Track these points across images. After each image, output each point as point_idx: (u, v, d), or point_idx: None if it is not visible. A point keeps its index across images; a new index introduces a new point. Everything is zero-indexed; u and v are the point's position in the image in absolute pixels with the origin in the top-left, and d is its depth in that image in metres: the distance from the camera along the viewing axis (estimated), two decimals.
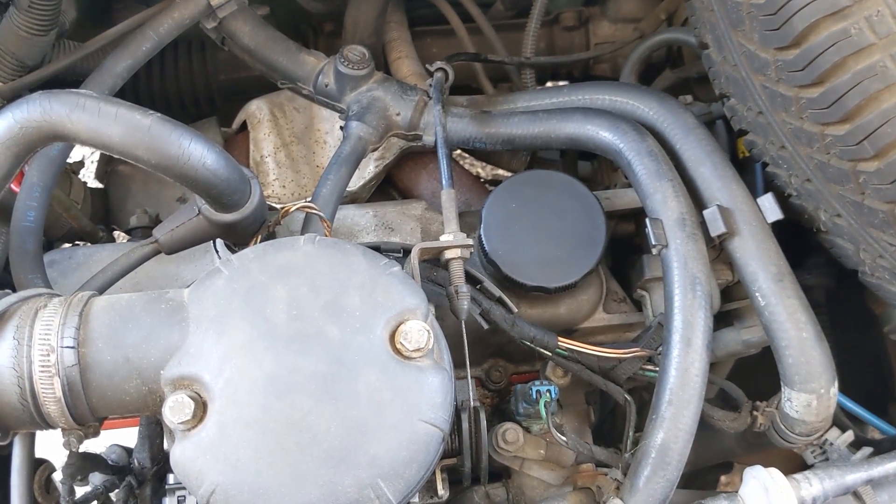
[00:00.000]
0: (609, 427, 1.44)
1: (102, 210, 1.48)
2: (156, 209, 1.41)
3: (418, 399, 0.82)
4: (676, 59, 1.63)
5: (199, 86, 1.74)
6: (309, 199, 1.42)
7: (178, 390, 0.81)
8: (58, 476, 1.33)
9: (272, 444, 0.79)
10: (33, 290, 0.87)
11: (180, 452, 0.80)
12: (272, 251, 0.87)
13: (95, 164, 1.63)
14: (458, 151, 1.84)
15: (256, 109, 1.48)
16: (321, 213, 1.03)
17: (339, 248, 0.88)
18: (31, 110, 0.85)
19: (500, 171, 2.70)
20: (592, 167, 1.52)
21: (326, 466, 0.79)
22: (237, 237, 1.03)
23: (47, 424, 0.84)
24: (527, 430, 1.12)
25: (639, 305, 1.25)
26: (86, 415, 0.84)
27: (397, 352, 0.84)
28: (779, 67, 0.95)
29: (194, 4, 1.18)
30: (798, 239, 1.16)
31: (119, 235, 1.53)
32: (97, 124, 0.85)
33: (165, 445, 1.13)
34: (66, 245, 1.43)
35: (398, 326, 0.85)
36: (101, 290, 1.00)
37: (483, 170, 2.73)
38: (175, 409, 0.79)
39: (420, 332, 0.84)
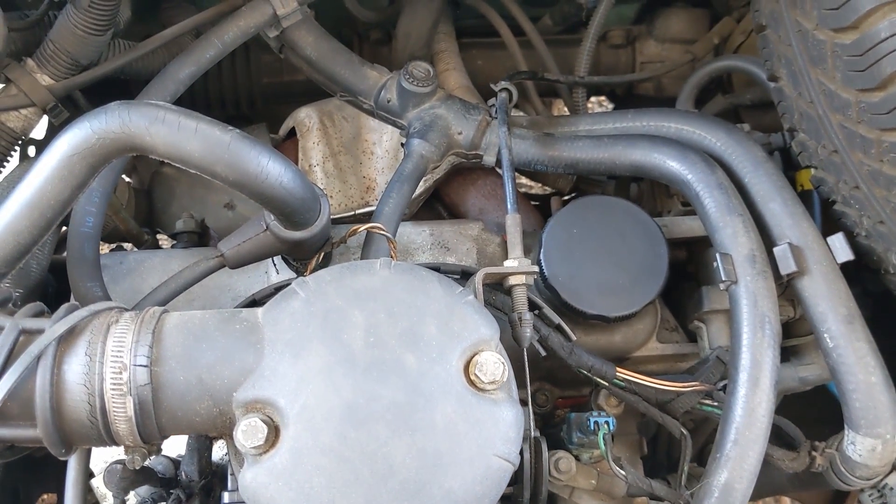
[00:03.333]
0: (649, 454, 1.43)
1: (145, 212, 1.47)
2: (201, 213, 1.39)
3: (493, 434, 0.81)
4: (726, 85, 1.62)
5: (242, 88, 1.73)
6: (359, 210, 1.41)
7: (250, 413, 0.80)
8: (94, 483, 1.32)
9: (347, 473, 0.77)
10: (103, 303, 0.85)
11: (252, 478, 0.78)
12: (349, 274, 0.86)
13: None
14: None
15: (306, 117, 1.47)
16: (389, 234, 1.01)
17: (416, 275, 0.87)
18: (110, 121, 0.84)
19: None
20: (639, 189, 1.50)
21: (401, 499, 0.77)
22: (302, 254, 1.02)
23: (113, 442, 0.83)
24: (576, 457, 1.11)
25: (690, 335, 1.24)
26: (154, 434, 0.83)
27: (471, 383, 0.83)
28: (861, 109, 0.94)
29: (260, 13, 1.16)
30: None
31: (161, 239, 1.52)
32: (176, 139, 0.84)
33: (213, 458, 1.11)
34: (110, 246, 1.42)
35: (472, 357, 0.83)
36: (164, 302, 0.99)
37: None
38: (248, 434, 0.78)
39: (496, 364, 0.82)
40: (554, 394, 1.26)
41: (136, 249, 1.39)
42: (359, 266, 0.87)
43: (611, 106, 2.15)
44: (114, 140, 0.84)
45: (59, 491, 1.38)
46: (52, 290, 1.32)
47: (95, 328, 0.82)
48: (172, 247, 1.36)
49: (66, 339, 0.81)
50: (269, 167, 0.87)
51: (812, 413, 1.19)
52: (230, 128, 0.86)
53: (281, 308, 0.84)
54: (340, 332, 0.82)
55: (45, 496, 1.70)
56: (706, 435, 1.26)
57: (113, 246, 1.46)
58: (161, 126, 0.84)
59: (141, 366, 0.80)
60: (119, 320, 0.83)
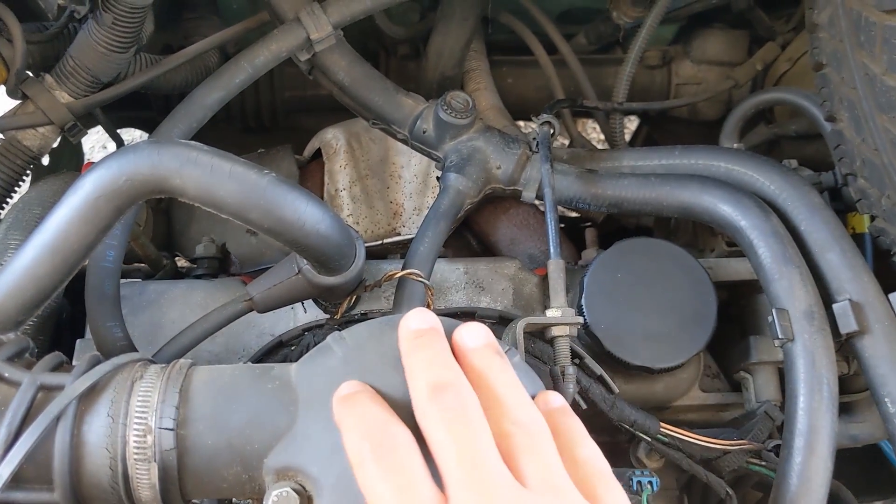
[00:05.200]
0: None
1: (163, 234, 1.41)
2: (221, 237, 1.33)
3: None
4: (769, 115, 1.56)
5: (264, 100, 1.68)
6: (387, 240, 1.36)
7: (281, 481, 0.74)
8: None
9: None
10: (126, 356, 0.80)
11: None
12: (388, 331, 0.80)
13: None
14: None
15: (332, 139, 1.41)
16: (426, 281, 0.96)
17: None
18: (139, 162, 0.78)
19: None
20: (676, 223, 1.44)
21: None
22: (334, 298, 0.97)
23: None
24: None
25: (732, 382, 1.18)
26: (177, 499, 0.77)
27: None
28: None
29: (293, 38, 1.10)
30: None
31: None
32: (209, 183, 0.79)
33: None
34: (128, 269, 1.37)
35: None
36: (190, 349, 0.94)
37: None
38: None
39: None
40: None
41: (153, 275, 1.33)
42: (397, 322, 0.81)
43: (636, 121, 2.09)
44: (142, 182, 0.79)
45: None
46: (66, 314, 1.27)
47: (118, 385, 0.77)
48: (192, 272, 1.30)
49: (88, 397, 0.75)
50: (307, 214, 0.81)
51: (863, 473, 1.14)
52: (265, 171, 0.81)
53: (316, 366, 0.78)
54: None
55: None
56: (749, 486, 1.21)
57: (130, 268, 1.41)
58: (193, 168, 0.78)
59: (167, 429, 0.74)
60: (143, 376, 0.78)
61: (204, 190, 0.79)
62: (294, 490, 0.73)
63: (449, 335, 0.72)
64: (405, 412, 0.73)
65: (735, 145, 1.34)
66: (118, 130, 1.69)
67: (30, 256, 0.80)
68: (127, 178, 0.79)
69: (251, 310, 0.94)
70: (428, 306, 0.99)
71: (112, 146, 3.13)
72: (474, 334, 0.70)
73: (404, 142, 1.20)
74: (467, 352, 0.70)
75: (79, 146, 1.77)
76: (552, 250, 1.00)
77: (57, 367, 0.79)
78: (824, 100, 1.07)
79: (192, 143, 0.81)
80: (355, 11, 1.13)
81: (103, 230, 0.81)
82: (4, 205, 1.26)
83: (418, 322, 0.70)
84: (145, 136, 2.10)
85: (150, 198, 0.81)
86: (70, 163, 1.69)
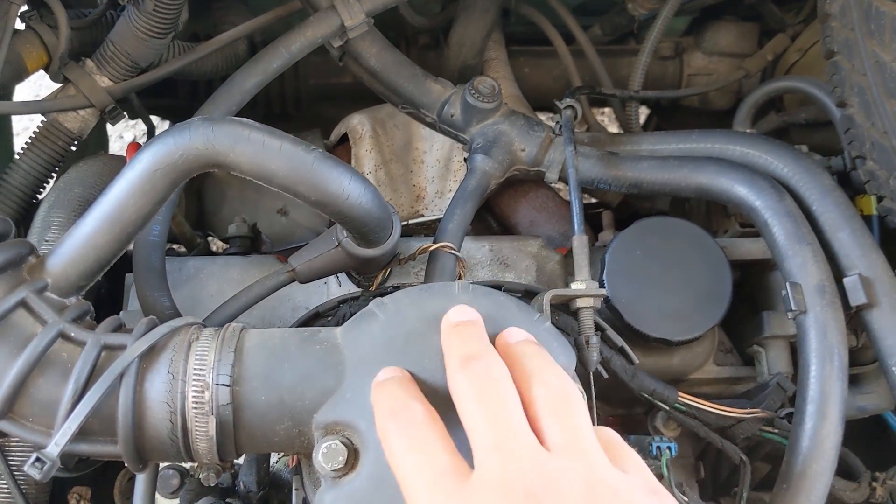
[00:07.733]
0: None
1: (196, 214, 1.46)
2: (252, 217, 1.39)
3: None
4: (779, 103, 1.61)
5: (289, 87, 1.73)
6: (411, 221, 1.41)
7: (329, 435, 0.79)
8: None
9: None
10: (181, 319, 0.85)
11: (331, 500, 0.78)
12: (427, 297, 0.85)
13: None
14: None
15: (358, 124, 1.46)
16: (458, 253, 1.01)
17: (494, 300, 0.86)
18: (194, 138, 0.84)
19: None
20: (690, 205, 1.50)
21: None
22: (370, 270, 1.02)
23: (191, 459, 0.83)
24: None
25: (744, 357, 1.23)
26: (231, 452, 0.83)
27: None
28: None
29: (328, 24, 1.16)
30: None
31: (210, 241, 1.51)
32: (261, 158, 0.84)
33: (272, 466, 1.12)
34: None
35: None
36: (235, 317, 0.99)
37: None
38: (328, 456, 0.77)
39: None
40: (605, 412, 1.26)
41: (187, 252, 1.38)
42: (437, 289, 0.86)
43: (646, 112, 2.13)
44: (197, 157, 0.84)
45: (93, 484, 1.39)
46: (105, 290, 1.32)
47: (177, 345, 0.82)
48: (225, 251, 1.35)
49: (148, 356, 0.81)
50: (351, 187, 0.87)
51: (872, 442, 1.19)
52: (313, 147, 0.86)
53: (360, 329, 0.84)
54: (421, 358, 0.81)
55: (76, 488, 1.70)
56: (758, 458, 1.26)
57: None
58: (246, 144, 0.84)
59: (223, 385, 0.80)
60: (199, 337, 0.83)
61: (256, 164, 0.84)
62: (342, 443, 0.78)
63: (494, 336, 0.76)
64: (441, 389, 0.78)
65: (748, 131, 1.39)
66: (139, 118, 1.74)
67: (90, 226, 0.85)
68: (182, 153, 0.84)
69: (293, 280, 0.99)
70: (459, 278, 1.05)
71: (128, 136, 3.18)
72: (516, 332, 0.75)
73: (432, 125, 1.25)
74: (508, 345, 0.73)
75: (104, 133, 1.82)
76: (576, 227, 1.05)
77: (116, 330, 0.85)
78: (835, 86, 1.12)
79: (244, 120, 0.86)
80: (387, 0, 1.18)
81: (159, 202, 0.86)
82: (46, 184, 1.31)
83: (458, 315, 0.75)
84: (166, 123, 2.15)
85: (203, 171, 0.86)
86: (96, 148, 1.74)
